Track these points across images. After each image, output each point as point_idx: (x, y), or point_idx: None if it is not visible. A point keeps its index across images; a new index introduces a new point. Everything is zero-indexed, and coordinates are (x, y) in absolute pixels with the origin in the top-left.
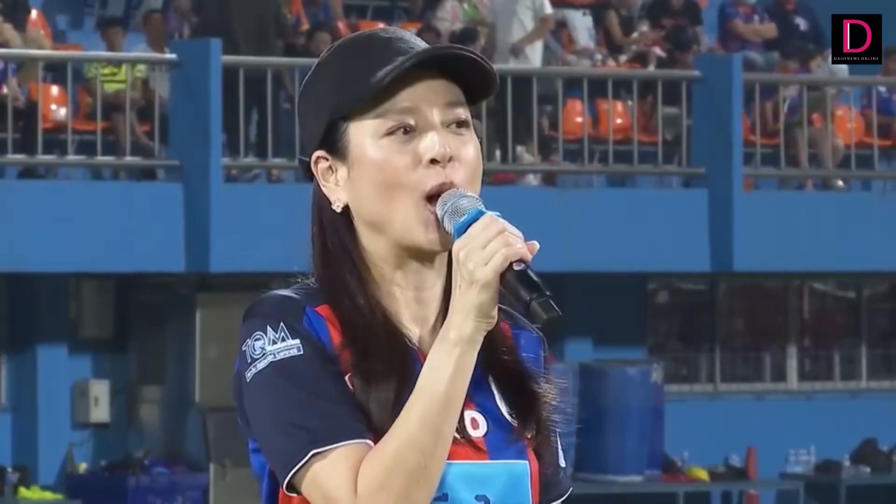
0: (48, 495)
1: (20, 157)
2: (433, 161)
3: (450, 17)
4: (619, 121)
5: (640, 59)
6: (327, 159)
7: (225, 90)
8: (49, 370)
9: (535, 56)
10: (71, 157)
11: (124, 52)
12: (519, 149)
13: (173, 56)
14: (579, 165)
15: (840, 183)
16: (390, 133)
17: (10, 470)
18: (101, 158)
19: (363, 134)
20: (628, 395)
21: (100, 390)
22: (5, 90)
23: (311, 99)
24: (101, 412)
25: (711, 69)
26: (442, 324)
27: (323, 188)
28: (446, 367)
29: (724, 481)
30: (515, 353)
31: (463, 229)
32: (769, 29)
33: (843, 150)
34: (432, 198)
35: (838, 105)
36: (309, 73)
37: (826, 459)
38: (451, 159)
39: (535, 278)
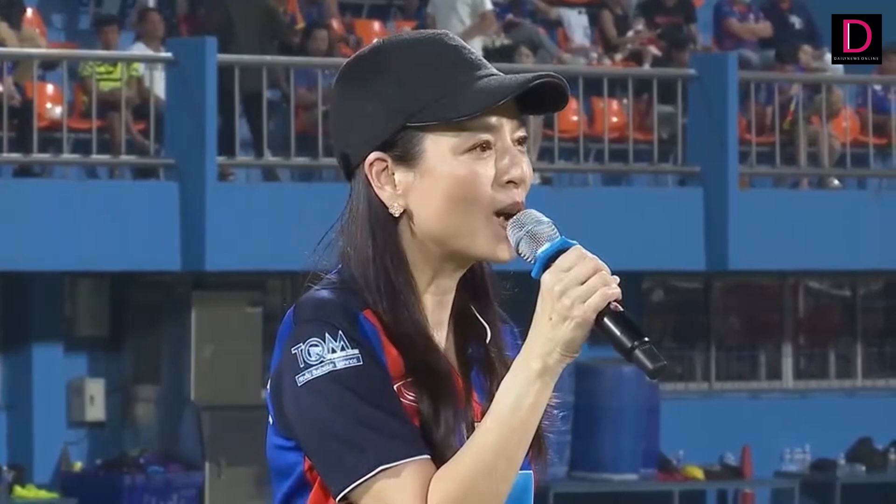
0: (43, 494)
1: (15, 155)
2: (511, 181)
3: None
4: (614, 119)
5: (636, 57)
6: (385, 161)
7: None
8: (44, 369)
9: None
10: (66, 156)
11: (119, 50)
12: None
13: (169, 55)
14: (575, 164)
15: (835, 181)
16: (470, 150)
17: (5, 468)
18: (96, 157)
19: (442, 147)
20: (623, 393)
21: (95, 389)
22: (0, 88)
23: (374, 97)
24: (96, 411)
25: (707, 68)
26: (453, 328)
27: (377, 191)
28: (527, 397)
29: (720, 480)
30: (510, 356)
31: (548, 258)
32: (764, 28)
33: (839, 149)
34: (500, 214)
35: (842, 104)
36: (361, 67)
37: (821, 458)
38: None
39: (634, 322)
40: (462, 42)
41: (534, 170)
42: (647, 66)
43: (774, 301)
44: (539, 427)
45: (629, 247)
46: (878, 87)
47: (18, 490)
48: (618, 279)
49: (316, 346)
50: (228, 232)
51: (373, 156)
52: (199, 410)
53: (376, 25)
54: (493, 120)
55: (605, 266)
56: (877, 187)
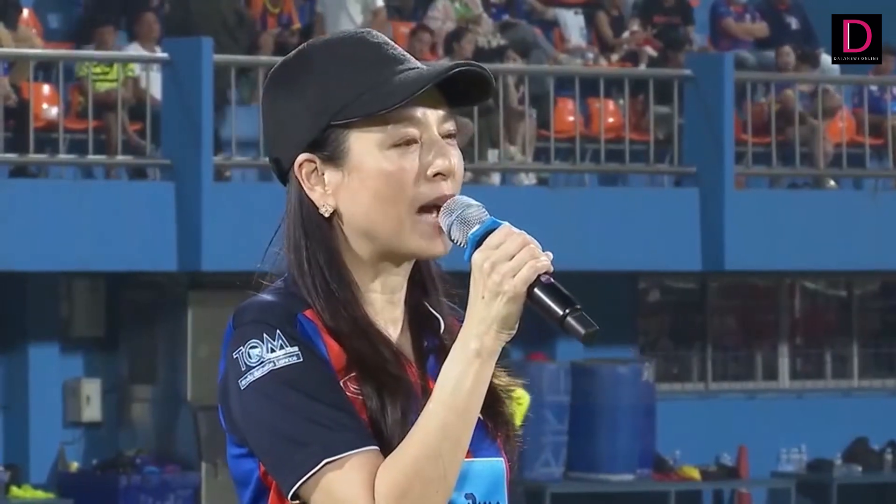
0: (40, 494)
1: (11, 156)
2: (438, 174)
3: (441, 17)
4: (610, 120)
5: (632, 58)
6: (314, 162)
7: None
8: (40, 369)
9: None
10: (62, 156)
11: (115, 50)
12: (513, 148)
13: (165, 55)
14: (571, 164)
15: (831, 182)
16: (396, 145)
17: (1, 469)
18: (92, 157)
19: (367, 143)
20: (619, 393)
21: (91, 389)
22: None
23: (299, 99)
24: (92, 411)
25: (703, 68)
26: (408, 323)
27: (307, 192)
28: (467, 378)
29: (716, 480)
30: None
31: (479, 239)
32: (761, 28)
33: (834, 149)
34: (426, 208)
35: (836, 103)
36: (287, 70)
37: (817, 458)
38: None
39: (565, 291)
40: (385, 38)
41: (530, 170)
42: (643, 67)
43: (771, 301)
44: (504, 411)
45: (625, 247)
46: (874, 88)
47: (14, 490)
48: (550, 254)
49: (255, 347)
50: (224, 232)
51: (302, 157)
52: (196, 411)
53: (359, 29)
54: (418, 113)
55: (535, 240)
56: (873, 187)
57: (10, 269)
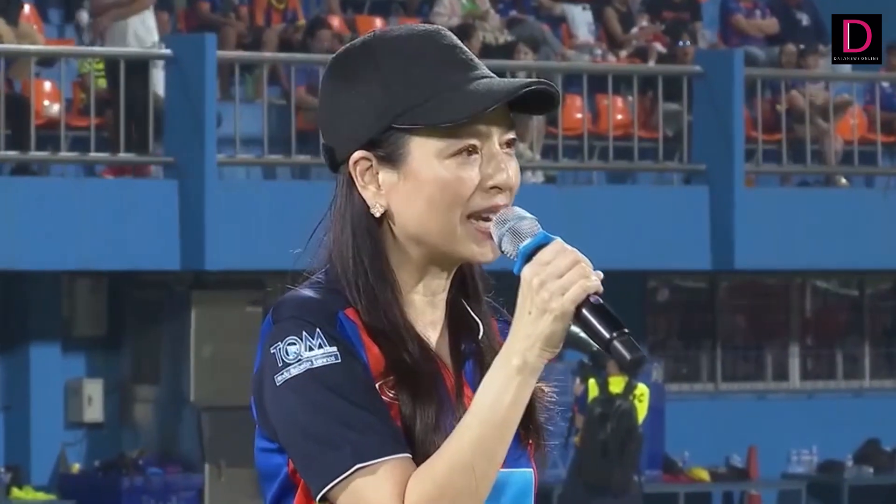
0: (41, 496)
1: (13, 153)
2: (495, 187)
3: (447, 12)
4: (619, 117)
5: (641, 54)
6: (370, 161)
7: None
8: (42, 369)
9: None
10: (64, 154)
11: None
12: (521, 146)
13: (168, 51)
14: (579, 162)
15: (843, 180)
16: (456, 154)
17: (2, 470)
18: (94, 155)
19: (427, 150)
20: None
21: (93, 389)
22: None
23: (362, 95)
24: (94, 411)
25: (712, 64)
26: (447, 325)
27: (360, 189)
28: (507, 393)
29: (726, 481)
30: None
31: (530, 253)
32: (771, 24)
33: (845, 147)
34: (478, 215)
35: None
36: (351, 61)
37: (828, 459)
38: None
39: (613, 312)
40: (456, 40)
41: (537, 167)
42: (652, 63)
43: (781, 300)
44: (537, 419)
45: (634, 246)
46: (885, 85)
47: (16, 491)
48: (601, 274)
49: (294, 344)
50: (228, 231)
51: (357, 154)
52: (199, 411)
53: (378, 22)
54: (482, 124)
55: (586, 259)
56: (884, 185)
57: (12, 269)
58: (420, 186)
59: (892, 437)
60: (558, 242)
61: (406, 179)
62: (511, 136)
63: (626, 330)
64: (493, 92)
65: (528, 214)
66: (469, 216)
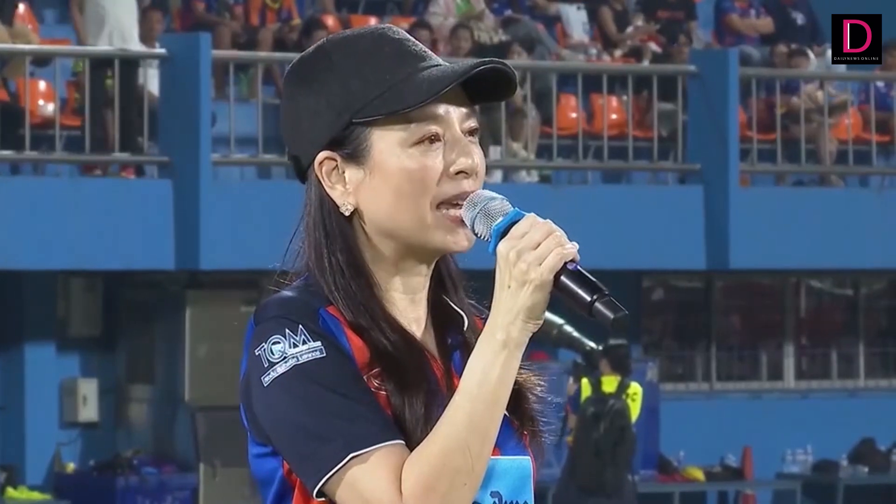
0: (36, 495)
1: (7, 153)
2: (461, 172)
3: (443, 12)
4: (613, 116)
5: (636, 54)
6: (335, 160)
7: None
8: (36, 369)
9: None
10: (58, 154)
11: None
12: (515, 145)
13: (163, 51)
14: (574, 161)
15: (838, 180)
16: (419, 142)
17: None
18: (88, 155)
19: (389, 141)
20: None
21: (88, 389)
22: None
23: (320, 96)
24: (89, 411)
25: (707, 64)
26: (431, 321)
27: (328, 190)
28: (494, 369)
29: (721, 481)
30: None
31: (504, 230)
32: (766, 23)
33: (840, 146)
34: (447, 203)
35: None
36: (306, 67)
37: (823, 459)
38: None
39: (592, 277)
40: (406, 34)
41: (532, 167)
42: (646, 63)
43: (776, 300)
44: (529, 408)
45: (629, 245)
46: (880, 84)
47: (10, 491)
48: (576, 244)
49: (278, 343)
50: (223, 230)
51: (322, 155)
52: (194, 411)
53: (373, 21)
54: (441, 110)
55: (560, 229)
56: (879, 185)
57: (6, 268)
58: (386, 179)
59: (886, 436)
60: (531, 216)
61: (372, 174)
62: (473, 124)
63: (607, 291)
64: (447, 75)
65: (497, 195)
66: (439, 205)
